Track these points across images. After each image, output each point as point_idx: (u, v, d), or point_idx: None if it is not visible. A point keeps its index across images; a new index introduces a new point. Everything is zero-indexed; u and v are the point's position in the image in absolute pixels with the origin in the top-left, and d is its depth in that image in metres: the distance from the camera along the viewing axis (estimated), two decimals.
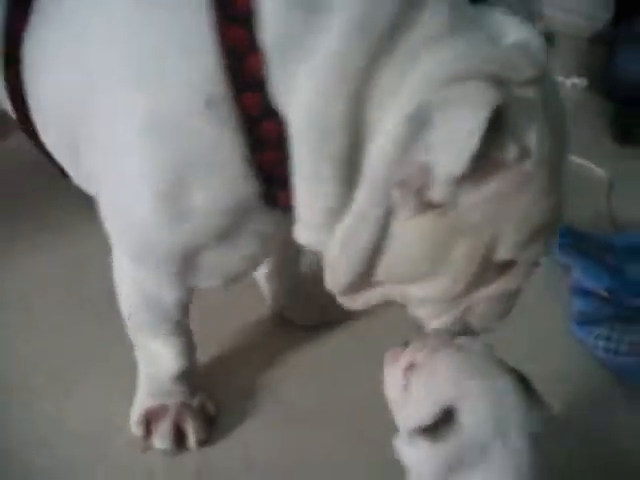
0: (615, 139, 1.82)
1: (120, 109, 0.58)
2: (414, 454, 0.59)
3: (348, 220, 0.59)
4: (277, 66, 0.54)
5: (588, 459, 0.98)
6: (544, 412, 0.63)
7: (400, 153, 0.54)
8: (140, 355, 0.91)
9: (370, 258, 0.61)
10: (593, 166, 1.63)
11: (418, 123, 0.52)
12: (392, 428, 0.65)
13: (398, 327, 0.73)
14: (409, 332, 0.72)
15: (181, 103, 0.56)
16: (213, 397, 0.98)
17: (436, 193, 0.55)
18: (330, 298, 0.72)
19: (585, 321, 1.16)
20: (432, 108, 0.52)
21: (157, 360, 0.89)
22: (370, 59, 0.52)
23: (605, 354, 1.12)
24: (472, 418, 0.58)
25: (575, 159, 1.59)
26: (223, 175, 0.59)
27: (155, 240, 0.65)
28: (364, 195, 0.57)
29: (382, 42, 0.52)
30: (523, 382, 0.64)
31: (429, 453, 0.58)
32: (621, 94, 1.84)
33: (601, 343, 1.13)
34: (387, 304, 0.72)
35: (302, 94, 0.53)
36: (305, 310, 1.11)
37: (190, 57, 0.55)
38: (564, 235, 1.31)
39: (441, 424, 0.58)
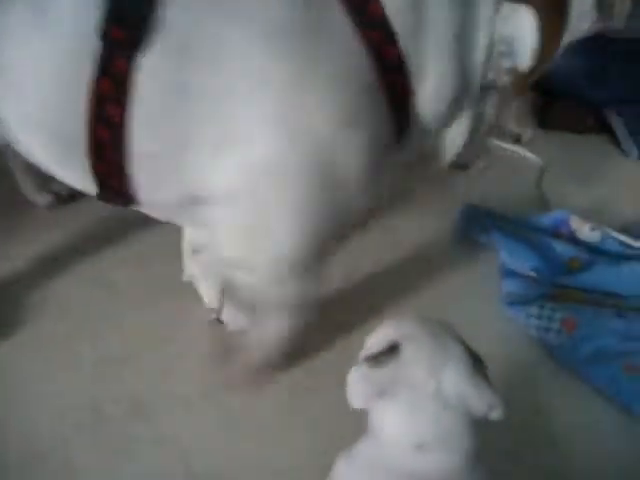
0: (541, 126, 1.87)
1: None
2: (356, 376, 0.64)
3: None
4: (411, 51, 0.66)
5: (521, 437, 0.96)
6: (482, 370, 0.66)
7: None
8: None
9: None
10: (525, 152, 1.66)
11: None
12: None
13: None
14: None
15: (360, 95, 0.64)
16: None
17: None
18: None
19: (515, 301, 1.15)
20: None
21: None
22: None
23: (537, 332, 1.11)
24: (410, 354, 0.64)
25: (508, 146, 1.63)
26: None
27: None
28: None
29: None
30: (473, 355, 0.67)
31: (366, 376, 0.63)
32: (545, 85, 1.87)
33: (533, 322, 1.12)
34: None
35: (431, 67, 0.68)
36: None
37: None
38: (489, 218, 1.31)
39: (384, 355, 0.64)
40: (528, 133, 1.71)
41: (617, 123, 1.88)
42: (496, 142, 1.71)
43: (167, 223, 0.88)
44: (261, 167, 0.64)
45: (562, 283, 1.22)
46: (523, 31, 0.74)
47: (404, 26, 0.65)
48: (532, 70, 1.37)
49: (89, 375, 0.99)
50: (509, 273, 1.21)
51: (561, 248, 1.27)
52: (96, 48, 0.61)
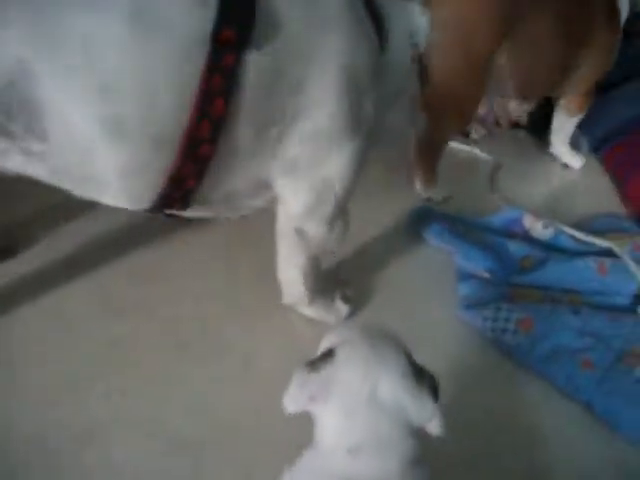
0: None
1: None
2: (293, 381, 0.65)
3: None
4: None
5: (479, 441, 0.95)
6: (427, 382, 0.65)
7: None
8: None
9: None
10: (478, 151, 1.67)
11: None
12: None
13: None
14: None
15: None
16: None
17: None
18: None
19: (471, 304, 1.15)
20: None
21: None
22: None
23: (494, 334, 1.11)
24: (344, 358, 0.65)
25: (460, 145, 1.63)
26: None
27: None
28: None
29: None
30: (415, 366, 0.66)
31: (302, 380, 0.64)
32: None
33: (489, 324, 1.11)
34: None
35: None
36: None
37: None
38: (442, 221, 1.31)
39: (320, 360, 0.65)
40: (479, 131, 1.72)
41: None
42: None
43: None
44: (326, 131, 0.80)
45: (517, 282, 1.22)
46: (419, 23, 0.98)
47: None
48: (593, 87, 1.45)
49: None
50: (464, 276, 1.21)
51: (514, 247, 1.27)
52: (208, 47, 0.67)
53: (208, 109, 0.69)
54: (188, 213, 0.87)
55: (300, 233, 0.93)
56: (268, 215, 0.98)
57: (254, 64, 0.70)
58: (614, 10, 1.59)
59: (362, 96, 0.82)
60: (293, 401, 0.65)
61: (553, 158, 1.82)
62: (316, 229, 0.93)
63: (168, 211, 0.84)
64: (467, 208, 1.45)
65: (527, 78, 1.45)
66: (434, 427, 0.63)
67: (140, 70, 0.66)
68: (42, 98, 0.65)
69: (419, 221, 1.33)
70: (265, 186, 0.85)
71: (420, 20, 0.99)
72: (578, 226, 1.45)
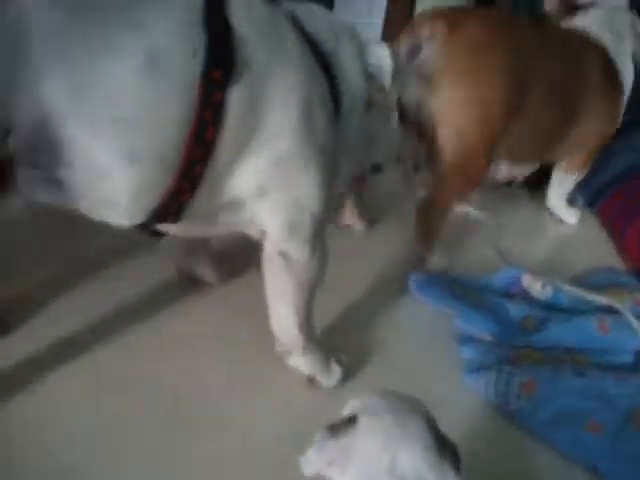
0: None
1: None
2: (314, 444, 0.65)
3: None
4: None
5: None
6: (449, 455, 0.64)
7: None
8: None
9: None
10: (473, 210, 1.68)
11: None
12: None
13: None
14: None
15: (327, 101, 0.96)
16: None
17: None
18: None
19: (473, 369, 1.14)
20: None
21: None
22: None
23: (497, 399, 1.10)
24: (365, 426, 0.65)
25: (464, 208, 1.65)
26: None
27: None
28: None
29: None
30: (440, 437, 0.66)
31: (322, 443, 0.65)
32: None
33: (492, 389, 1.10)
34: None
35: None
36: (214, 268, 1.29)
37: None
38: (441, 285, 1.31)
39: (341, 426, 0.66)
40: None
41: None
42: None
43: None
44: (289, 155, 0.91)
45: (518, 344, 1.21)
46: (383, 60, 1.07)
47: (330, 57, 0.99)
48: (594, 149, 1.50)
49: None
50: (466, 339, 1.20)
51: (514, 308, 1.27)
52: (201, 85, 0.81)
53: (202, 136, 0.83)
54: (176, 229, 1.00)
55: (284, 256, 0.99)
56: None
57: (234, 97, 0.84)
58: (615, 81, 1.65)
59: (319, 125, 0.94)
60: (311, 464, 0.65)
61: (549, 213, 1.84)
62: (297, 249, 0.99)
63: (160, 224, 0.95)
64: (465, 268, 1.46)
65: (523, 144, 1.48)
66: None
67: (151, 108, 0.80)
68: (69, 136, 0.77)
69: (418, 285, 1.33)
70: (242, 205, 0.95)
71: (384, 61, 1.08)
72: (577, 282, 1.46)
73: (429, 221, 1.39)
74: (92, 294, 1.22)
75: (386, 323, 1.26)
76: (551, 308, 1.32)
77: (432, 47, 1.27)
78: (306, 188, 0.96)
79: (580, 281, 1.48)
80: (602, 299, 1.33)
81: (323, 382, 1.09)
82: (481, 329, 1.20)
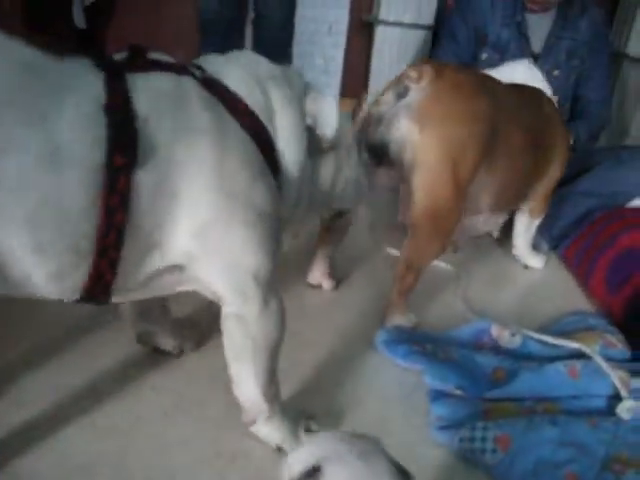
0: None
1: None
2: None
3: None
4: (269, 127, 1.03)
5: None
6: None
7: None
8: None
9: None
10: (441, 263, 1.68)
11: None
12: None
13: None
14: None
15: (256, 161, 1.00)
16: None
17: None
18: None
19: (446, 425, 1.12)
20: None
21: None
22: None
23: (472, 455, 1.08)
24: (332, 475, 0.62)
25: None
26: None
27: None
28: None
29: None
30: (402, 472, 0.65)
31: None
32: None
33: (466, 445, 1.08)
34: None
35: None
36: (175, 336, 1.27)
37: None
38: (409, 341, 1.30)
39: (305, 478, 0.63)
40: None
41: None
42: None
43: None
44: (210, 222, 0.92)
45: (490, 396, 1.20)
46: (327, 110, 1.12)
47: (260, 110, 1.01)
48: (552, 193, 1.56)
49: None
50: (436, 395, 1.19)
51: (483, 360, 1.26)
52: (105, 173, 0.83)
53: (112, 221, 0.84)
54: (118, 300, 1.00)
55: (237, 316, 0.99)
56: None
57: (140, 180, 0.86)
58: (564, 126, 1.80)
59: (242, 184, 0.96)
60: None
61: (514, 260, 1.86)
62: (248, 309, 0.99)
63: (95, 301, 0.94)
64: (435, 320, 1.46)
65: (501, 191, 1.51)
66: None
67: (56, 201, 0.80)
68: None
69: (385, 342, 1.32)
70: (184, 269, 0.96)
71: (329, 112, 1.12)
72: (546, 328, 1.47)
73: (405, 281, 1.39)
74: (57, 373, 1.19)
75: (356, 381, 1.25)
76: (521, 357, 1.31)
77: (418, 88, 1.34)
78: (238, 250, 0.96)
79: (549, 327, 1.49)
80: (571, 344, 1.33)
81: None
82: (451, 384, 1.19)
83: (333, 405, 1.18)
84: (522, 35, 2.26)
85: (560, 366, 1.25)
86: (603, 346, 1.36)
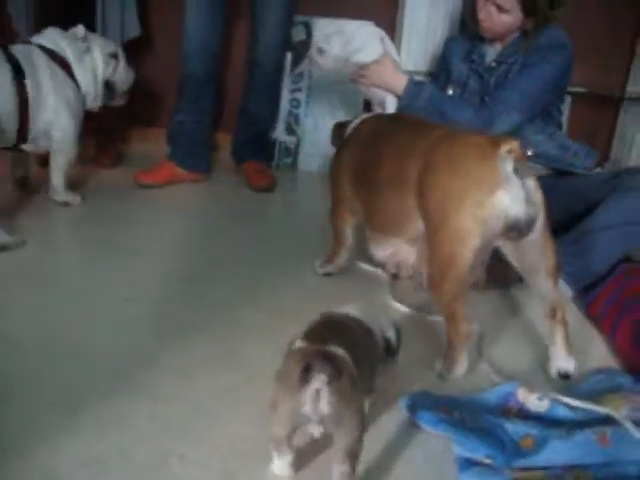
0: None
1: None
2: None
3: None
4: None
5: None
6: None
7: None
8: None
9: None
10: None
11: None
12: None
13: None
14: None
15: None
16: None
17: None
18: None
19: None
20: None
21: None
22: None
23: None
24: None
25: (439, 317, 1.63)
26: None
27: None
28: None
29: None
30: None
31: None
32: None
33: None
34: None
35: None
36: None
37: None
38: (437, 409, 1.28)
39: None
40: None
41: None
42: (433, 317, 1.74)
43: None
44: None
45: (519, 465, 1.18)
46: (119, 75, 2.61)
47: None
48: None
49: None
50: (465, 465, 1.17)
51: (512, 427, 1.25)
52: (15, 85, 2.27)
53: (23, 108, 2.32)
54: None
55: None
56: None
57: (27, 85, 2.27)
58: None
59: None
60: None
61: (530, 314, 1.84)
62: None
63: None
64: (458, 380, 1.44)
65: None
66: None
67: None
68: None
69: (413, 407, 1.31)
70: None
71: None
72: (572, 388, 1.45)
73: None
74: None
75: (386, 449, 1.23)
76: (549, 422, 1.29)
77: None
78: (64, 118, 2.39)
79: (576, 386, 1.47)
80: (599, 409, 1.31)
81: None
82: (479, 453, 1.18)
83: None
84: (475, 71, 2.25)
85: (590, 434, 1.23)
86: (632, 408, 1.34)
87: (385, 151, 1.68)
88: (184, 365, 1.46)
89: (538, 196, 1.42)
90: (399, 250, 1.71)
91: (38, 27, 2.61)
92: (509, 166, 1.36)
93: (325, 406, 1.00)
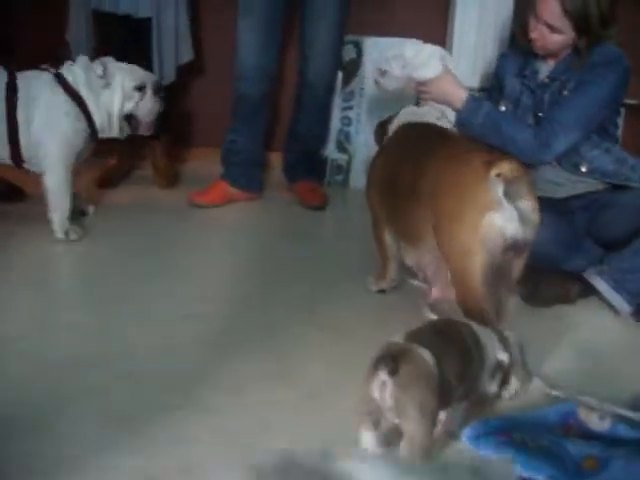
0: (525, 299, 1.92)
1: None
2: None
3: None
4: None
5: None
6: None
7: None
8: None
9: None
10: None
11: None
12: None
13: None
14: None
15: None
16: None
17: None
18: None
19: None
20: None
21: None
22: None
23: None
24: None
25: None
26: None
27: None
28: None
29: None
30: None
31: None
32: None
33: None
34: None
35: None
36: None
37: None
38: (498, 433, 1.27)
39: None
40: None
41: (600, 284, 1.92)
42: None
43: None
44: None
45: None
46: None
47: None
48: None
49: None
50: None
51: (574, 448, 1.23)
52: (6, 105, 2.38)
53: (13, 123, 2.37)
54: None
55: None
56: None
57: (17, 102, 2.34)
58: None
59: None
60: None
61: (591, 327, 1.81)
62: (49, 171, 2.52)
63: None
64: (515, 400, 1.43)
65: None
66: None
67: None
68: None
69: (476, 437, 1.29)
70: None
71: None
72: (631, 404, 1.42)
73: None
74: None
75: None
76: (611, 442, 1.27)
77: None
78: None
79: (635, 402, 1.44)
80: None
81: None
82: (541, 475, 1.17)
83: None
84: (527, 87, 2.21)
85: None
86: None
87: (405, 164, 1.78)
88: (242, 381, 1.50)
89: (535, 217, 1.52)
90: (421, 259, 1.79)
91: (95, 55, 2.68)
92: (499, 189, 1.47)
93: (389, 397, 1.14)
